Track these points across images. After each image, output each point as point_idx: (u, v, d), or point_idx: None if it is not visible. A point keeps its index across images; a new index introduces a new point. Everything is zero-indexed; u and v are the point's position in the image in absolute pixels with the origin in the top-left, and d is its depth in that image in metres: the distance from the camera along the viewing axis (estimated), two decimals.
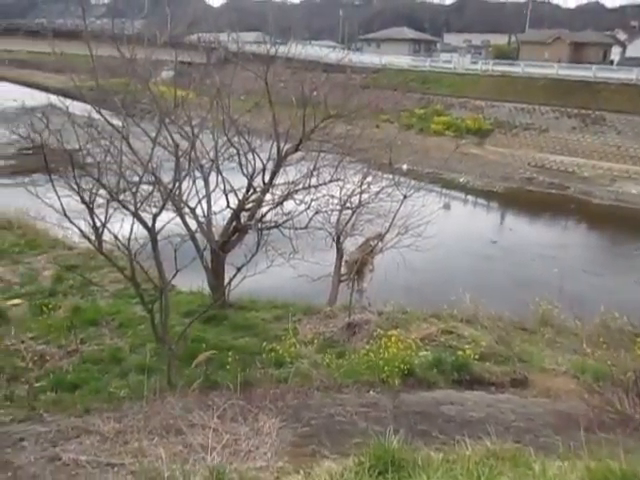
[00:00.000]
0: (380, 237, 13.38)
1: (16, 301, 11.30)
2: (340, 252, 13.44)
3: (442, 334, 9.84)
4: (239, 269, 8.36)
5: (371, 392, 7.56)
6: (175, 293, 11.20)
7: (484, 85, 44.16)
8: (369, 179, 13.43)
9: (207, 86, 12.89)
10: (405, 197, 13.06)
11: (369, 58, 50.56)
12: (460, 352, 8.43)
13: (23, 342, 8.97)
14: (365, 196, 13.11)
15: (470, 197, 32.57)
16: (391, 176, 13.84)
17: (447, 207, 29.02)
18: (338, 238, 13.25)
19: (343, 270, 13.61)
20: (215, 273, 11.13)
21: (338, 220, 13.08)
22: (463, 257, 19.96)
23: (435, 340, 9.63)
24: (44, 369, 8.30)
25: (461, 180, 33.29)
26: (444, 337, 9.74)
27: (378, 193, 13.17)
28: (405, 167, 19.58)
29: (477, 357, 8.37)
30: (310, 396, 7.30)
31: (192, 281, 11.75)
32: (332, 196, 12.52)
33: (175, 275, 8.13)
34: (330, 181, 12.17)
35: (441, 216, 18.35)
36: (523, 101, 40.55)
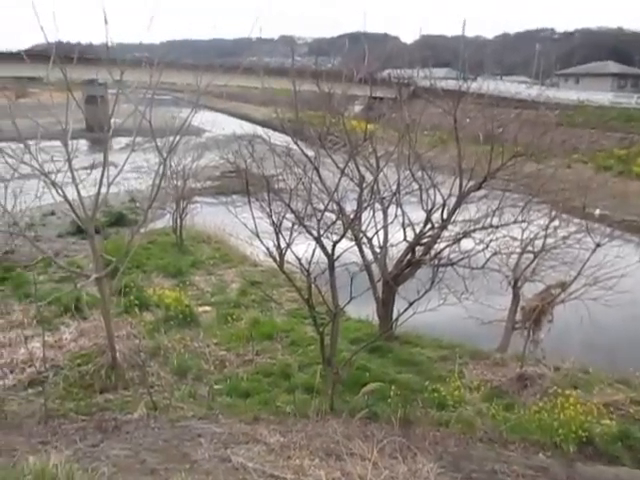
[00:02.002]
0: (564, 286, 12.32)
1: (206, 308, 12.59)
2: (517, 297, 12.64)
3: (631, 404, 8.70)
4: (411, 304, 8.33)
5: (540, 455, 6.96)
6: (345, 319, 11.49)
7: None
8: (556, 223, 12.53)
9: (395, 120, 13.21)
10: (598, 245, 11.92)
11: (565, 94, 47.74)
12: None
13: (208, 346, 9.93)
14: (550, 241, 12.22)
15: None
16: (582, 221, 12.77)
17: None
18: (516, 282, 12.48)
19: (518, 317, 12.78)
20: (385, 304, 11.22)
21: (517, 263, 12.34)
22: None
23: (622, 409, 8.54)
24: (223, 374, 9.08)
25: None
26: (633, 408, 8.59)
27: (566, 238, 12.20)
28: (598, 212, 17.84)
29: None
30: (472, 446, 6.95)
31: (361, 309, 11.98)
32: (513, 238, 11.91)
33: (349, 302, 8.37)
34: (513, 222, 11.62)
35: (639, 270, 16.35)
36: None
